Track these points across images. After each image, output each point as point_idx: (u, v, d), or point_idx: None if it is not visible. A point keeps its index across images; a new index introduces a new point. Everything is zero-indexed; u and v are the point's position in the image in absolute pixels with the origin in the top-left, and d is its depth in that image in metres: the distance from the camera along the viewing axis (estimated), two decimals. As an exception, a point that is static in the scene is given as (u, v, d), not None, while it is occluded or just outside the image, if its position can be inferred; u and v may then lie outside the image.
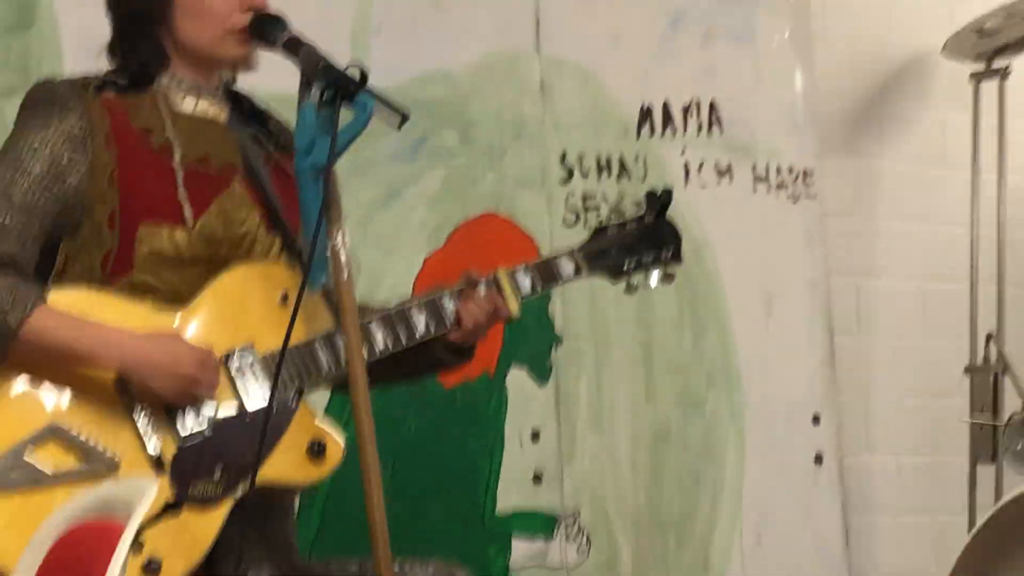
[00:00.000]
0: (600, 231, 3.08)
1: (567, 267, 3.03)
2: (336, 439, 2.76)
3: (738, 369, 4.50)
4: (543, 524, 4.19)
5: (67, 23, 3.64)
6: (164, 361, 2.63)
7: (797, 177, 4.67)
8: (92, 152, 2.71)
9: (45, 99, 2.74)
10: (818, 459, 4.57)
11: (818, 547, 4.56)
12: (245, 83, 2.98)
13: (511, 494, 4.12)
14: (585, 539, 4.23)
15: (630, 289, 3.10)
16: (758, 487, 4.47)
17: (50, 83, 2.78)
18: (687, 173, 4.50)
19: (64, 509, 2.22)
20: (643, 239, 3.08)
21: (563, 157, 4.32)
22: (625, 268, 3.07)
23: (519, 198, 4.24)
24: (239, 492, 2.66)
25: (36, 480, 2.55)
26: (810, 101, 4.72)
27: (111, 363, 2.61)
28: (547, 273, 3.01)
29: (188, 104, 2.83)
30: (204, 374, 2.65)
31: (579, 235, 4.23)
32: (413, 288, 4.03)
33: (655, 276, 3.10)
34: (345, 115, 2.61)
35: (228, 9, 2.79)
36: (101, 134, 2.72)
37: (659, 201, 3.10)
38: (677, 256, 3.11)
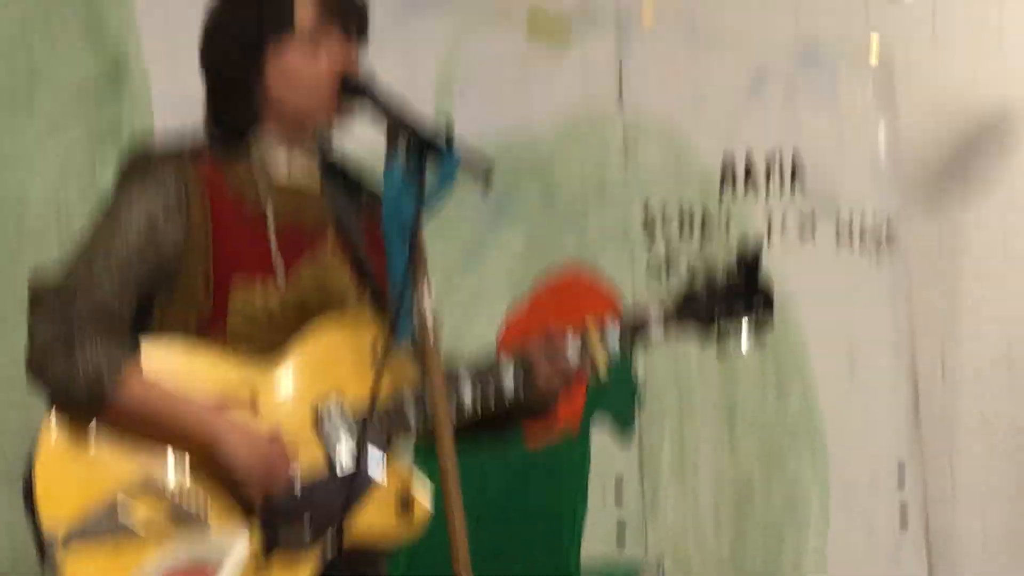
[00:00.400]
0: (691, 283, 3.07)
1: (656, 319, 3.01)
2: (424, 492, 2.77)
3: (822, 425, 4.48)
4: (626, 578, 4.18)
5: (158, 81, 3.70)
6: (244, 446, 2.66)
7: (881, 232, 4.66)
8: (187, 214, 2.76)
9: (142, 166, 2.79)
10: (903, 513, 4.54)
11: (903, 605, 4.53)
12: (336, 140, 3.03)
13: (595, 547, 4.12)
14: (668, 594, 4.23)
15: (720, 340, 3.08)
16: (842, 543, 4.45)
17: (147, 150, 2.83)
18: (770, 229, 4.50)
19: (155, 561, 2.25)
20: (734, 292, 3.06)
21: (646, 212, 4.34)
22: (716, 321, 3.05)
23: (602, 254, 4.26)
24: (328, 543, 2.69)
25: (128, 532, 2.58)
26: (894, 157, 4.72)
27: (195, 439, 2.66)
28: (636, 326, 2.99)
29: (282, 163, 2.88)
30: (279, 469, 2.68)
31: (662, 289, 4.27)
32: (497, 345, 4.05)
33: (746, 333, 3.07)
34: (431, 173, 2.63)
35: (315, 67, 2.83)
36: (196, 199, 2.77)
37: (749, 255, 3.08)
38: (768, 309, 3.08)
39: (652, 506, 4.21)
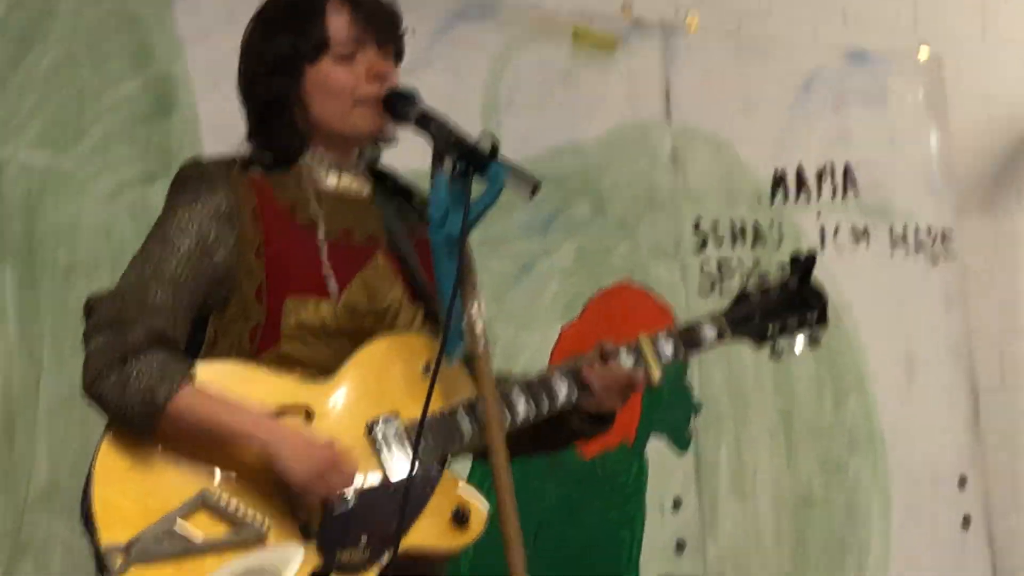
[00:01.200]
0: (743, 296, 3.05)
1: (710, 332, 3.01)
2: (480, 506, 2.77)
3: (881, 432, 4.45)
4: (687, 593, 4.16)
5: (205, 109, 3.72)
6: (301, 445, 2.66)
7: (935, 238, 4.63)
8: (239, 228, 2.76)
9: (193, 177, 2.80)
10: (965, 522, 4.50)
11: (968, 612, 4.49)
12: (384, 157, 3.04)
13: (654, 563, 4.10)
14: (730, 608, 4.20)
15: (775, 355, 3.08)
16: (905, 551, 4.42)
17: (197, 162, 2.85)
18: (823, 237, 4.49)
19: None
20: (787, 303, 3.05)
21: (697, 225, 4.33)
22: (769, 333, 3.04)
23: (653, 267, 4.25)
24: (385, 561, 2.68)
25: (187, 549, 2.59)
26: (946, 162, 4.69)
27: (252, 446, 2.66)
28: (690, 339, 2.99)
29: (331, 180, 2.88)
30: (340, 465, 2.68)
31: (715, 303, 4.25)
32: (550, 360, 4.04)
33: (800, 341, 3.07)
34: (477, 187, 2.63)
35: (354, 81, 2.83)
36: (247, 210, 2.78)
37: (803, 265, 3.07)
38: (823, 319, 3.07)
39: (711, 520, 4.19)
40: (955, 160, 4.74)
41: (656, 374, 2.94)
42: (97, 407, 2.70)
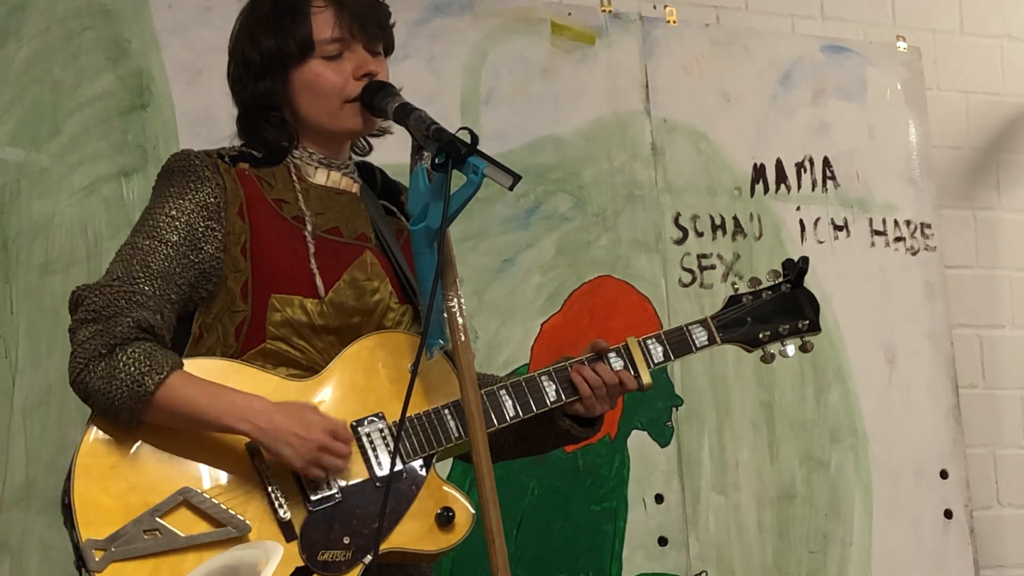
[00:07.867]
0: (735, 299, 3.03)
1: (701, 336, 2.99)
2: (466, 506, 2.75)
3: (862, 425, 4.44)
4: (670, 588, 4.15)
5: (181, 103, 3.69)
6: (294, 428, 2.64)
7: (915, 230, 4.62)
8: (227, 222, 2.75)
9: (182, 169, 2.78)
10: (947, 514, 4.50)
11: (950, 605, 4.48)
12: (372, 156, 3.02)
13: (637, 557, 4.09)
14: (713, 602, 4.19)
15: (765, 361, 3.06)
16: (887, 544, 4.41)
17: (187, 154, 2.82)
18: (803, 229, 4.47)
19: (194, 572, 2.23)
20: (780, 308, 3.03)
21: (677, 218, 4.31)
22: (761, 338, 3.02)
23: (634, 260, 4.23)
24: (367, 561, 2.66)
25: (169, 544, 2.58)
26: (925, 153, 4.68)
27: (242, 429, 2.63)
28: (680, 342, 2.97)
29: (320, 176, 2.87)
30: (334, 443, 2.66)
31: (695, 295, 4.24)
32: (531, 354, 4.03)
33: (792, 346, 3.05)
34: (457, 180, 2.62)
35: (342, 80, 2.82)
36: (235, 204, 2.76)
37: (796, 269, 3.05)
38: (815, 326, 3.05)
39: (693, 514, 4.18)
40: (934, 151, 4.73)
41: (646, 379, 2.92)
42: (83, 398, 2.67)
